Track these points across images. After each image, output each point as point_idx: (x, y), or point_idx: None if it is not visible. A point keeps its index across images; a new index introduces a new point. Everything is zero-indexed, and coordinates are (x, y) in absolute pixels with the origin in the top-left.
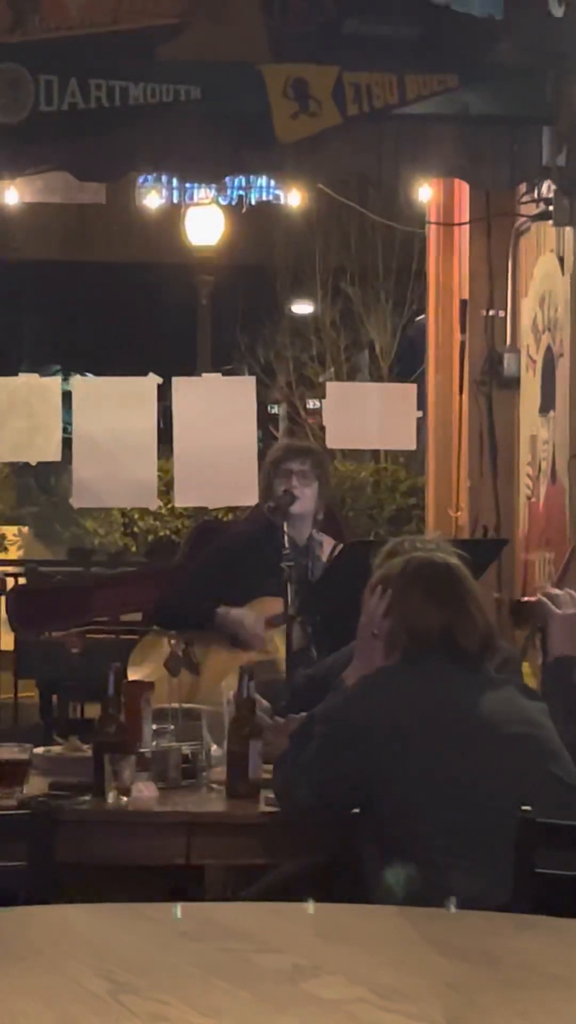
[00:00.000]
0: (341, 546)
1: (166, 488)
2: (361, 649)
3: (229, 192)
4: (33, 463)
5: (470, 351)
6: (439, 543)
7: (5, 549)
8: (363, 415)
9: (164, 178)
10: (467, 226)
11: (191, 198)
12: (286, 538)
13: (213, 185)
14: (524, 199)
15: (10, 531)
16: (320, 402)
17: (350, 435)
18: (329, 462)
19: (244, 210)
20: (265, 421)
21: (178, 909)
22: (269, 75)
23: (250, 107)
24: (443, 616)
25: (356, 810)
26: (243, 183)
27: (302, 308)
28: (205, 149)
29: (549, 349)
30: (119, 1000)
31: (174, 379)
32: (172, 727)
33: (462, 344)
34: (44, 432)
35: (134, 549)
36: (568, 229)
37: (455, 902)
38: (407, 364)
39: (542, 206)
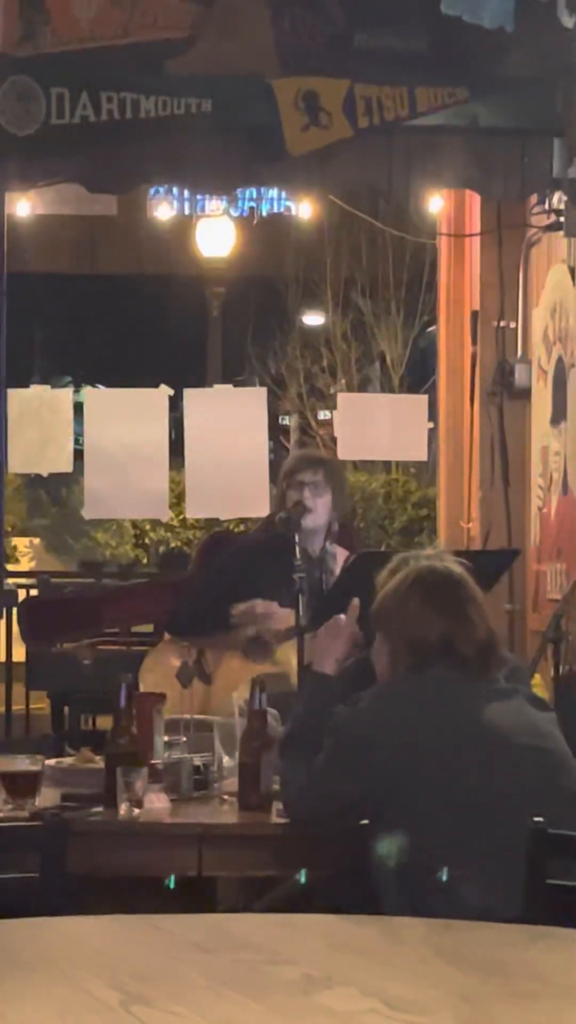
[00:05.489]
0: (354, 557)
1: (177, 499)
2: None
3: (240, 204)
4: (44, 475)
5: (481, 362)
6: (442, 554)
7: (16, 561)
8: (374, 426)
9: (175, 190)
10: (478, 237)
11: (202, 210)
12: (297, 549)
13: (224, 197)
14: (535, 210)
15: (21, 543)
16: (331, 413)
17: (361, 446)
18: (344, 472)
19: (255, 222)
20: (276, 432)
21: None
22: (279, 88)
23: (261, 120)
24: (443, 623)
25: (365, 821)
26: (254, 195)
27: (313, 320)
28: (216, 161)
29: (560, 360)
30: (131, 1011)
31: (185, 391)
32: (184, 739)
33: (473, 355)
34: (55, 444)
35: (145, 561)
36: None
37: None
38: (418, 375)
39: (553, 217)
